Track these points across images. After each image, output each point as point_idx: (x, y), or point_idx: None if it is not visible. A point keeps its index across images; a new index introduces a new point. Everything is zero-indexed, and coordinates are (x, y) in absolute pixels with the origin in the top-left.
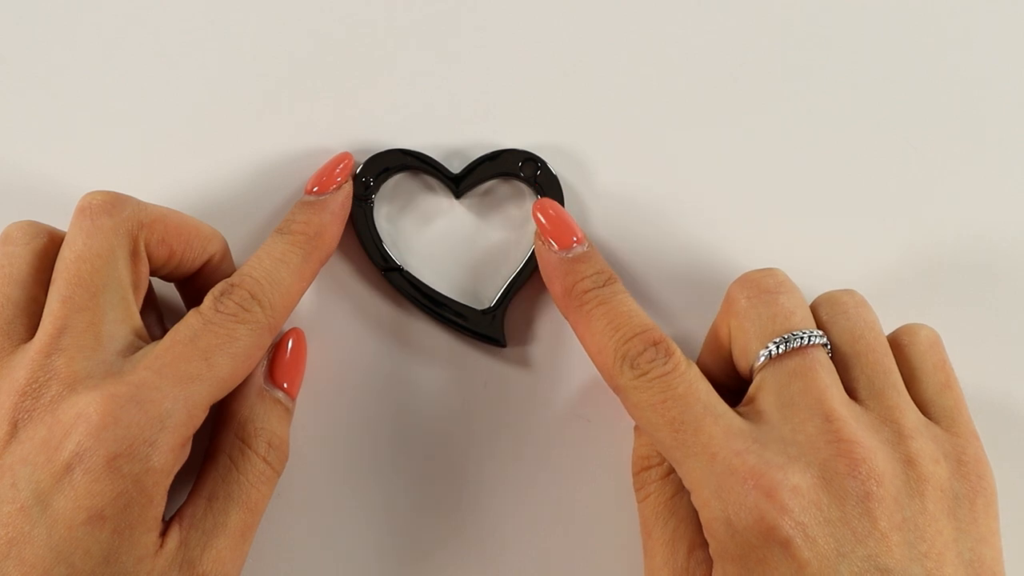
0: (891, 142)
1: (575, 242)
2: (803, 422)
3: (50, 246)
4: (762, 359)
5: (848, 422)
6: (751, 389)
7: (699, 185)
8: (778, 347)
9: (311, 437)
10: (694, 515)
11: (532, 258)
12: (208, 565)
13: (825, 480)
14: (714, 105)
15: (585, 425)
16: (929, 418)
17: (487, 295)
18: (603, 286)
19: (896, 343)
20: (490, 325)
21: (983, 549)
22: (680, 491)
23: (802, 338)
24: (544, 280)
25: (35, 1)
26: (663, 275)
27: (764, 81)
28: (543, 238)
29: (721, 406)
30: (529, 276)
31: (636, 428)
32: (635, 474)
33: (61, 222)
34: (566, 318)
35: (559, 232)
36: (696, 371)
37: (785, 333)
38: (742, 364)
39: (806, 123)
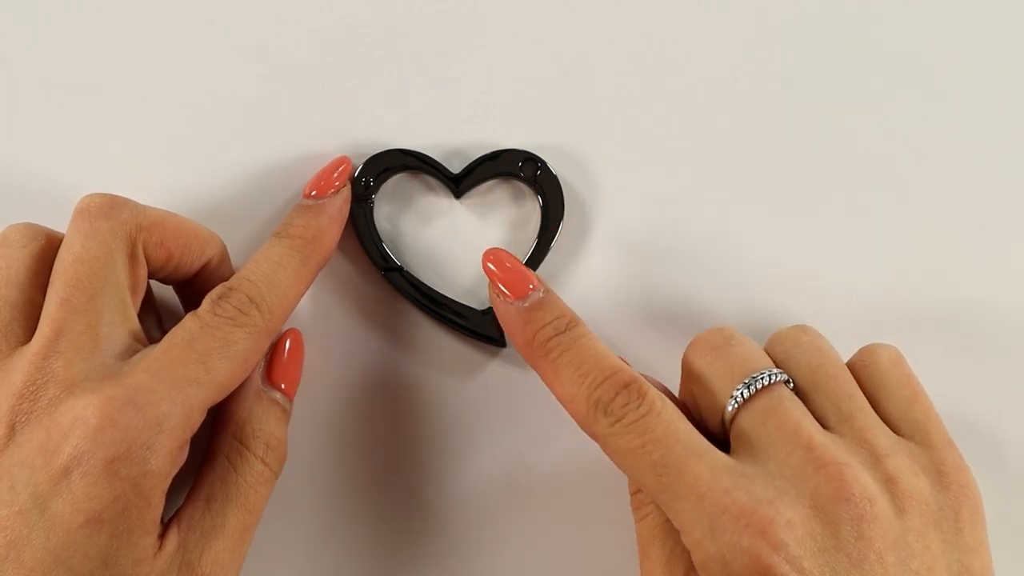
0: (891, 142)
1: (531, 289)
2: (786, 456)
3: (48, 248)
4: (731, 408)
5: (829, 447)
6: (731, 441)
7: (699, 185)
8: (743, 392)
9: (310, 438)
10: None
11: (532, 258)
12: (207, 567)
13: (817, 508)
14: (714, 105)
15: None
16: (901, 435)
17: (487, 295)
18: (564, 331)
19: (857, 365)
20: (490, 325)
21: (972, 560)
22: None
23: (764, 378)
24: (506, 333)
25: (35, 1)
26: (664, 275)
27: (764, 81)
28: (496, 290)
29: (702, 443)
30: None
31: None
32: (632, 494)
33: (59, 224)
34: (534, 369)
35: (512, 282)
36: (673, 409)
37: (746, 378)
38: (713, 422)
39: (806, 123)
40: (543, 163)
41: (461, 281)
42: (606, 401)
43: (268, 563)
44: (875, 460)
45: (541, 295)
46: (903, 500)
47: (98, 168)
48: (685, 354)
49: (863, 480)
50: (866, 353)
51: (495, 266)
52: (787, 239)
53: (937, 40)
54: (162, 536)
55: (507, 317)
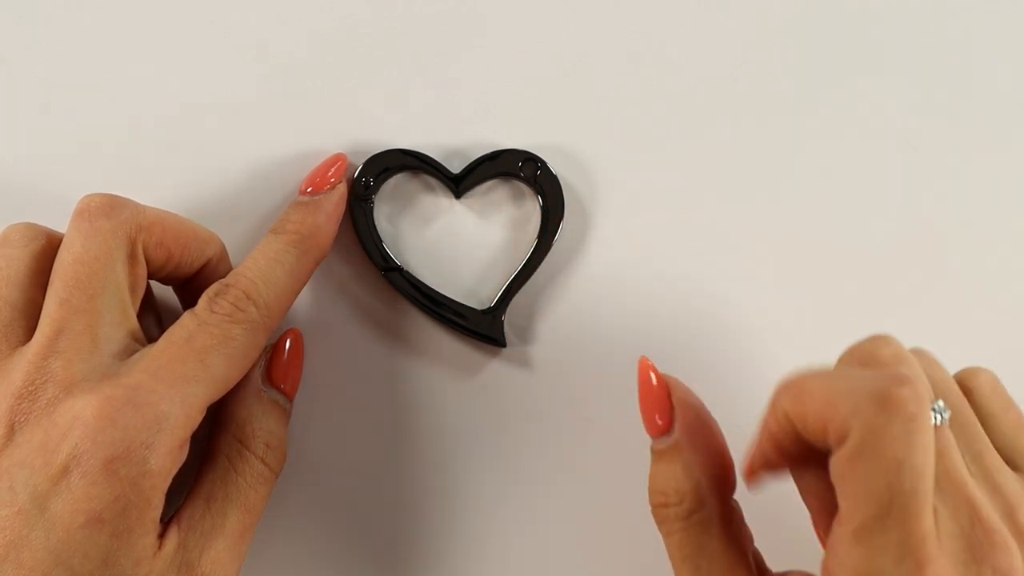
0: (891, 142)
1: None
2: (955, 508)
3: (48, 248)
4: None
5: (989, 508)
6: None
7: (699, 184)
8: None
9: (310, 438)
10: (726, 553)
11: (532, 258)
12: (207, 567)
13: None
14: (714, 105)
15: (586, 425)
16: (1010, 462)
17: (487, 295)
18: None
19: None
20: (490, 325)
21: None
22: (707, 532)
23: (938, 417)
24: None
25: (35, 1)
26: (664, 274)
27: (764, 81)
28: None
29: (930, 492)
30: (529, 276)
31: (655, 451)
32: (653, 506)
33: (59, 224)
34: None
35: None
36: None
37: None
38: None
39: (807, 123)
40: (543, 163)
41: (461, 281)
42: (889, 391)
43: (268, 563)
44: (1010, 511)
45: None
46: None
47: (98, 168)
48: (804, 379)
49: (1017, 559)
50: (966, 377)
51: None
52: (788, 239)
53: (937, 40)
54: (162, 536)
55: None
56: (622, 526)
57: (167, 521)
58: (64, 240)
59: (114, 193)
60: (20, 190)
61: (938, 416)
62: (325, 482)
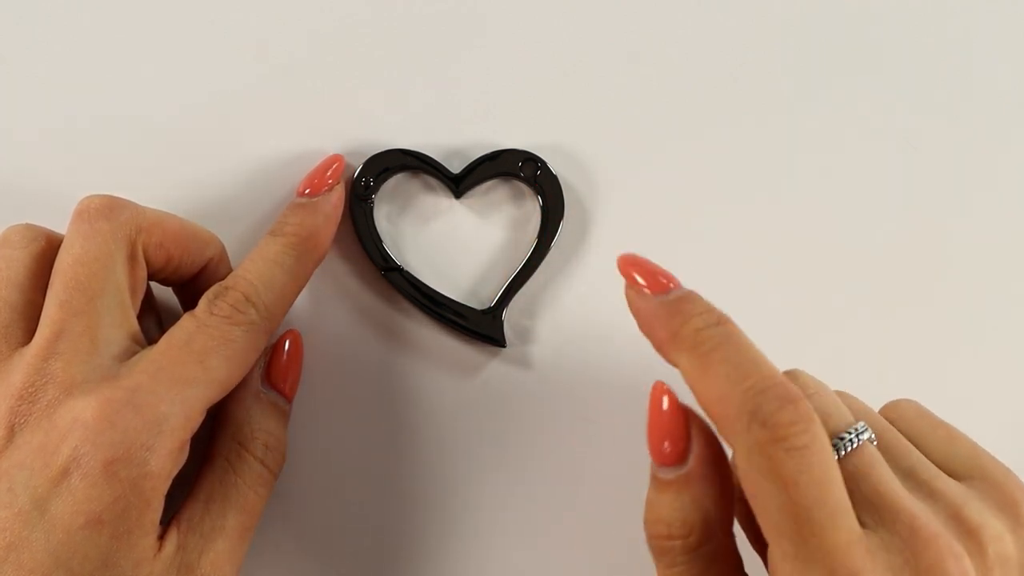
0: (891, 143)
1: (670, 285)
2: (891, 523)
3: (48, 249)
4: None
5: (928, 518)
6: None
7: (700, 184)
8: (839, 451)
9: (309, 439)
10: None
11: (532, 258)
12: (206, 568)
13: None
14: (714, 105)
15: (586, 425)
16: (950, 473)
17: (487, 295)
18: (717, 325)
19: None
20: (490, 325)
21: None
22: (710, 566)
23: (852, 440)
24: (642, 330)
25: (35, 2)
26: None
27: (764, 81)
28: (633, 284)
29: (846, 503)
30: (529, 276)
31: (660, 481)
32: (654, 537)
33: (59, 225)
34: (675, 364)
35: (652, 276)
36: (830, 448)
37: (832, 439)
38: None
39: (807, 123)
40: (543, 163)
41: (461, 281)
42: (766, 412)
43: (268, 564)
44: (954, 513)
45: (684, 291)
46: (987, 556)
47: (98, 169)
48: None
49: (965, 563)
50: (889, 409)
51: (628, 262)
52: (788, 239)
53: (937, 40)
54: (162, 537)
55: (647, 311)
56: (622, 526)
57: (167, 522)
58: (64, 241)
59: (114, 194)
60: (20, 191)
61: (853, 438)
62: (324, 483)
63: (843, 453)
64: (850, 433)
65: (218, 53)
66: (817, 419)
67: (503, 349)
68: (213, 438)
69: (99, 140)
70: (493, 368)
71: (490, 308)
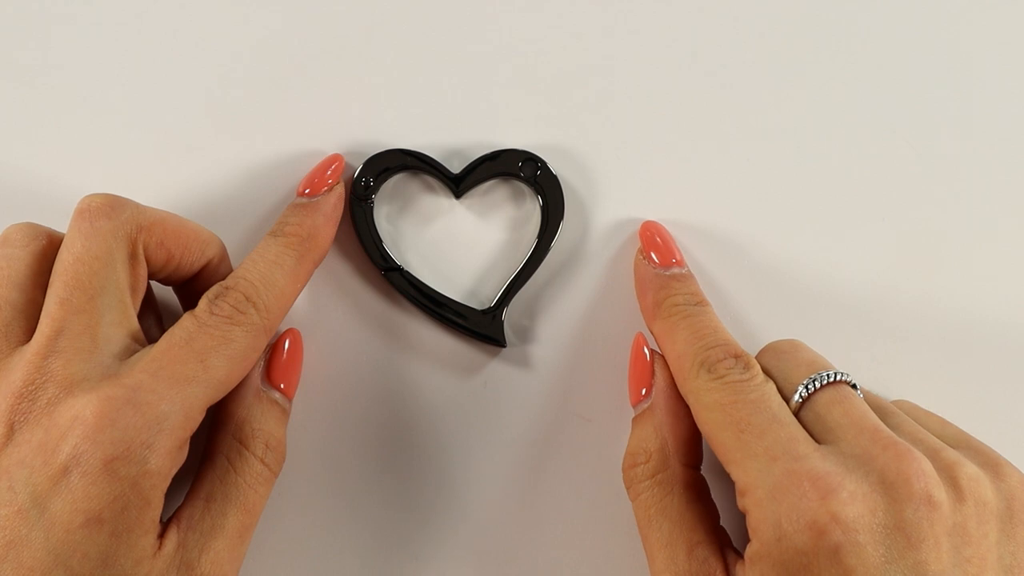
0: (890, 141)
1: (675, 263)
2: (854, 438)
3: (49, 248)
4: (797, 399)
5: (896, 436)
6: None
7: (699, 184)
8: (809, 386)
9: (309, 438)
10: (687, 514)
11: (532, 258)
12: (206, 567)
13: (883, 486)
14: (714, 105)
15: (585, 425)
16: None
17: (487, 295)
18: (694, 304)
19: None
20: (490, 325)
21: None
22: (670, 492)
23: (829, 375)
24: (637, 292)
25: (35, 3)
26: None
27: (765, 81)
28: (644, 253)
29: (789, 417)
30: (529, 276)
31: (635, 420)
32: (625, 470)
33: (60, 224)
34: (650, 328)
35: (661, 250)
36: (772, 387)
37: (812, 375)
38: None
39: (808, 122)
40: (543, 163)
41: (461, 281)
42: (712, 361)
43: (267, 563)
44: (933, 453)
45: (683, 271)
46: (963, 489)
47: (98, 168)
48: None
49: (927, 467)
50: (870, 396)
51: (649, 235)
52: (788, 238)
53: (938, 39)
54: (161, 536)
55: (646, 277)
56: (621, 526)
57: (167, 521)
58: (64, 240)
59: (115, 193)
60: (21, 190)
61: (831, 374)
62: (324, 482)
63: (819, 384)
64: (828, 372)
65: (218, 53)
66: (757, 366)
67: (503, 349)
68: (213, 437)
69: (99, 140)
70: (493, 368)
71: (490, 308)
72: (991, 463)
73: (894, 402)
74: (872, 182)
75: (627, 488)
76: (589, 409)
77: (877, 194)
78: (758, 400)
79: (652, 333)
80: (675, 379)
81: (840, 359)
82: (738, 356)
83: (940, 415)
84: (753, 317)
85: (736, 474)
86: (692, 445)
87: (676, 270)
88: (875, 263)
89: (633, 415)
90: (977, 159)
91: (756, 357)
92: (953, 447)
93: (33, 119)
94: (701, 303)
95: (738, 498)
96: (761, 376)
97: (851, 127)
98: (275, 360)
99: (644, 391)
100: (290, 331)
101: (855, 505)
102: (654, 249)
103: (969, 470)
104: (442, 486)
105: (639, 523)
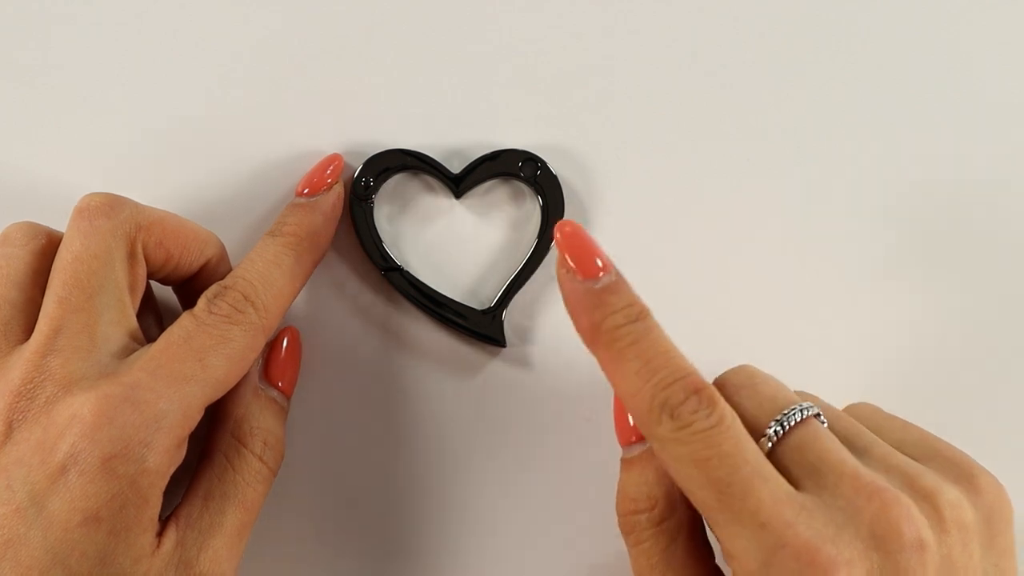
0: (892, 141)
1: (600, 270)
2: (835, 486)
3: (48, 247)
4: (768, 444)
5: (875, 476)
6: None
7: (700, 184)
8: (777, 429)
9: (308, 437)
10: (689, 561)
11: (532, 258)
12: (205, 565)
13: (876, 540)
14: (714, 105)
15: (585, 425)
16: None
17: (487, 295)
18: (635, 321)
19: None
20: (490, 325)
21: (1005, 563)
22: (674, 540)
23: (796, 413)
24: (568, 312)
25: (35, 3)
26: (666, 272)
27: (765, 81)
28: (564, 265)
29: (768, 467)
30: (529, 276)
31: (625, 461)
32: (622, 515)
33: (60, 224)
34: (593, 355)
35: (581, 258)
36: (740, 426)
37: (777, 414)
38: None
39: (808, 122)
40: (543, 163)
41: (461, 281)
42: (674, 404)
43: (266, 561)
44: (910, 481)
45: (613, 279)
46: (945, 520)
47: (98, 168)
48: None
49: (913, 511)
50: (847, 410)
51: (565, 239)
52: (788, 238)
53: (938, 39)
54: (160, 534)
55: (573, 296)
56: None
57: (165, 519)
58: (64, 239)
59: (114, 193)
60: (20, 190)
61: (796, 413)
62: (323, 481)
63: (787, 426)
64: (794, 409)
65: (217, 53)
66: (723, 403)
67: (503, 349)
68: (211, 434)
69: (99, 140)
70: (493, 368)
71: (490, 308)
72: (965, 475)
73: (853, 406)
74: (872, 182)
75: (625, 534)
76: (589, 409)
77: (877, 194)
78: (733, 452)
79: (594, 357)
80: (632, 415)
81: (838, 358)
82: (698, 391)
83: (901, 419)
84: (750, 318)
85: (722, 536)
86: None
87: (606, 279)
88: (875, 263)
89: (625, 455)
90: (977, 159)
91: None
92: (922, 458)
93: (33, 119)
94: (641, 315)
95: (725, 557)
96: (728, 416)
97: (851, 127)
98: (273, 358)
99: (635, 438)
100: (288, 329)
101: (853, 570)
102: (573, 258)
103: (949, 496)
104: (441, 486)
105: (638, 570)
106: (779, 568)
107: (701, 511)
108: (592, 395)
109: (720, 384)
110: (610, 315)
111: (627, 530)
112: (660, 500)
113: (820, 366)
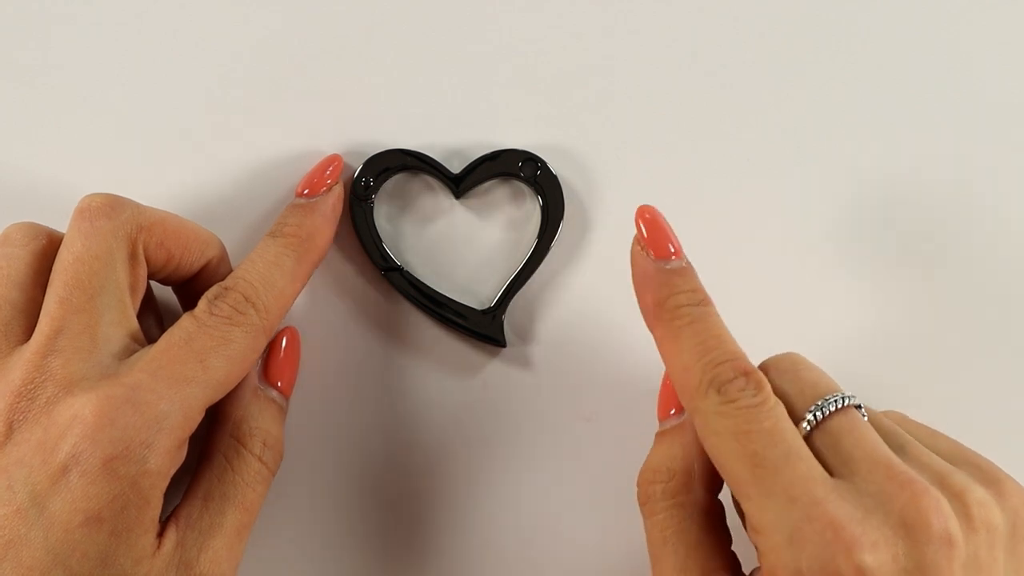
0: (891, 142)
1: (672, 254)
2: (869, 472)
3: (49, 248)
4: (806, 428)
5: (908, 469)
6: None
7: (699, 184)
8: (816, 414)
9: (308, 437)
10: (704, 540)
11: (532, 258)
12: (205, 565)
13: (905, 528)
14: (714, 105)
15: (586, 425)
16: None
17: (487, 295)
18: (697, 304)
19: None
20: (490, 325)
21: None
22: (689, 516)
23: (836, 401)
24: (635, 288)
25: (35, 3)
26: None
27: (765, 81)
28: (642, 242)
29: (805, 449)
30: (529, 276)
31: (660, 435)
32: (642, 484)
33: (60, 224)
34: (651, 331)
35: (657, 239)
36: (783, 409)
37: (818, 400)
38: None
39: (809, 122)
40: (543, 163)
41: (461, 281)
42: (723, 380)
43: (265, 561)
44: (940, 479)
45: (683, 264)
46: (973, 518)
47: (98, 168)
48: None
49: (943, 505)
50: (872, 416)
51: (644, 222)
52: (788, 238)
53: (938, 39)
54: (160, 535)
55: (644, 272)
56: (622, 526)
57: (165, 520)
58: (64, 239)
59: (115, 193)
60: (21, 190)
61: (839, 399)
62: (323, 481)
63: (827, 412)
64: (834, 397)
65: (218, 53)
66: (768, 387)
67: (503, 349)
68: (211, 435)
69: (99, 140)
70: (493, 368)
71: (490, 308)
72: (992, 480)
73: (883, 413)
74: (872, 182)
75: (641, 504)
76: (589, 409)
77: (877, 194)
78: (772, 430)
79: (652, 333)
80: (678, 390)
81: (839, 360)
82: (747, 374)
83: (929, 427)
84: (750, 318)
85: (750, 510)
86: (718, 472)
87: (676, 263)
88: (875, 263)
89: (659, 429)
90: (977, 159)
91: None
92: (952, 464)
93: (33, 119)
94: (704, 302)
95: (750, 533)
96: (772, 399)
97: (851, 127)
98: (272, 358)
99: (674, 411)
100: (287, 329)
101: (878, 553)
102: (649, 239)
103: (978, 495)
104: (442, 485)
105: (651, 542)
106: (804, 542)
107: (732, 486)
108: (592, 395)
109: (764, 368)
110: (674, 295)
111: (643, 500)
112: (678, 474)
113: (820, 366)
